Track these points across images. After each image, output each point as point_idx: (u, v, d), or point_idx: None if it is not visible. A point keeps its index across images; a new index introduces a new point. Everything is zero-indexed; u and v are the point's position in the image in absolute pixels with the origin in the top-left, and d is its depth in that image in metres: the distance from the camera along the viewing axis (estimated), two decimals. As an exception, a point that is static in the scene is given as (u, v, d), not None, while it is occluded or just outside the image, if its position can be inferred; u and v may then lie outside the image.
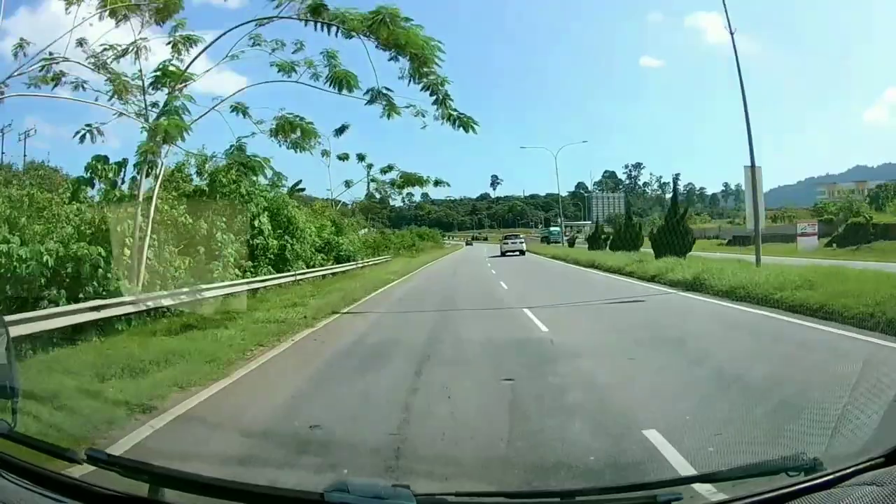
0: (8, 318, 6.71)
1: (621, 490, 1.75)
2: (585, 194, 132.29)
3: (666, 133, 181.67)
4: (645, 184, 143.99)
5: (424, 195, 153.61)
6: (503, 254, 45.93)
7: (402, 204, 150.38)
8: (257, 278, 16.77)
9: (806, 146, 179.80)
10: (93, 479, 1.72)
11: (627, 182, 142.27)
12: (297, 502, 1.66)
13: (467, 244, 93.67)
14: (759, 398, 4.95)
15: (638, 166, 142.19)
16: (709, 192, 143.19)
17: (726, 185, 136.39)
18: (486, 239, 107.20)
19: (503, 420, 4.70)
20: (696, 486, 1.82)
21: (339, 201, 32.92)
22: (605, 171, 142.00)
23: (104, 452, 1.86)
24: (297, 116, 13.88)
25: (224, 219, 15.25)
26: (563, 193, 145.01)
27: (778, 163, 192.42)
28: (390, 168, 35.87)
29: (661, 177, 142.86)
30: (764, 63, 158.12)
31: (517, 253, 45.76)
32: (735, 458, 3.66)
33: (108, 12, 10.77)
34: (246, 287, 14.83)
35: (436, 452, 4.01)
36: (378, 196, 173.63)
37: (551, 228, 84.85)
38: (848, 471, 1.60)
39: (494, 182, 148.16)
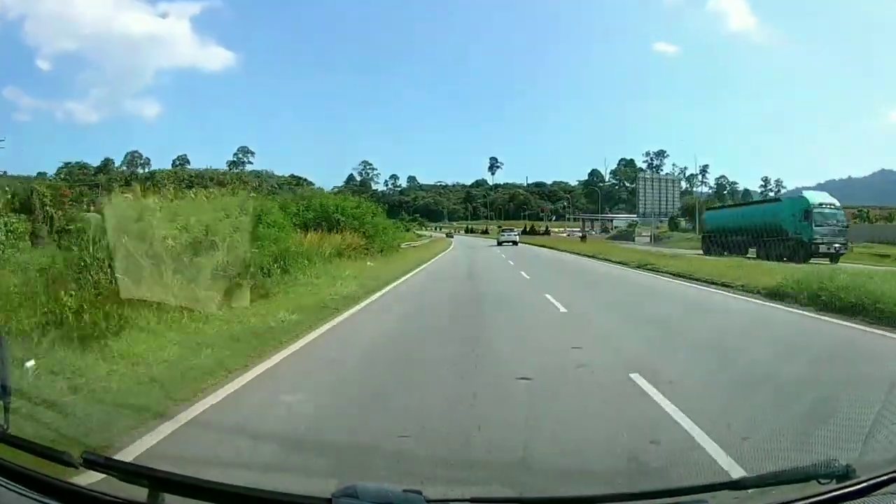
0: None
1: (643, 497, 1.73)
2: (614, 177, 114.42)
3: (686, 123, 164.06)
4: (667, 175, 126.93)
5: (411, 178, 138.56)
6: (500, 244, 52.55)
7: (385, 188, 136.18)
8: None
9: (826, 147, 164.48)
10: (89, 484, 1.74)
11: (649, 172, 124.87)
12: None
13: (449, 236, 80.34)
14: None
15: (661, 154, 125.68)
16: (740, 186, 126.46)
17: (766, 179, 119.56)
18: (485, 232, 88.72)
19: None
20: (722, 493, 1.70)
21: None
22: (622, 160, 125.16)
23: (101, 456, 1.81)
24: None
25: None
26: (573, 183, 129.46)
27: (795, 164, 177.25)
28: None
29: (685, 167, 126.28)
30: (785, 57, 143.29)
31: (510, 243, 52.36)
32: (763, 463, 3.57)
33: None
34: None
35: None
36: (359, 179, 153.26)
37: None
38: (883, 478, 1.59)
39: (493, 166, 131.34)
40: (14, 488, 1.60)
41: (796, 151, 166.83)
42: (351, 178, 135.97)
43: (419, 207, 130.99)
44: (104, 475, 1.74)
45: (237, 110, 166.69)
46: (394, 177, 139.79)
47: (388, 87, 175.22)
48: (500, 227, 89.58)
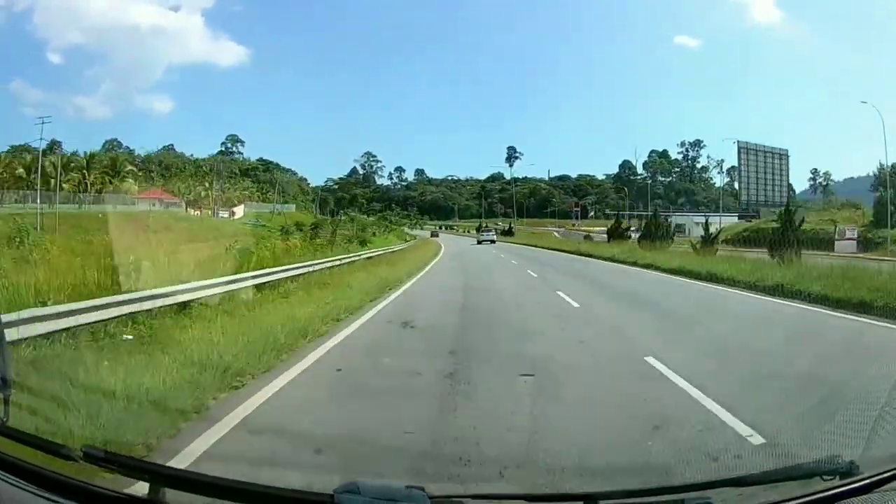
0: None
1: (647, 493, 1.78)
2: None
3: (717, 115, 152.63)
4: (703, 168, 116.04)
5: (419, 172, 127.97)
6: (479, 243, 56.08)
7: (389, 183, 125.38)
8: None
9: (848, 144, 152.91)
10: (89, 478, 1.71)
11: (685, 164, 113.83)
12: (306, 503, 1.66)
13: (434, 235, 75.12)
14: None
15: (697, 145, 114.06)
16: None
17: (815, 171, 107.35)
18: (509, 232, 76.56)
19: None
20: (726, 490, 1.72)
21: None
22: (652, 151, 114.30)
23: (102, 449, 1.79)
24: None
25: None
26: (600, 177, 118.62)
27: (824, 160, 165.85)
28: None
29: (721, 160, 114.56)
30: (810, 52, 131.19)
31: (489, 242, 56.26)
32: (767, 460, 3.63)
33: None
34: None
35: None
36: (362, 172, 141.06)
37: None
38: (886, 475, 1.61)
39: (512, 156, 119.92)
40: (13, 482, 1.60)
41: (827, 147, 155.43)
42: (354, 170, 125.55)
43: (427, 203, 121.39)
44: (104, 469, 1.74)
45: (238, 102, 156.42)
46: (399, 169, 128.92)
47: (399, 77, 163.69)
48: (481, 226, 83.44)
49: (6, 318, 6.01)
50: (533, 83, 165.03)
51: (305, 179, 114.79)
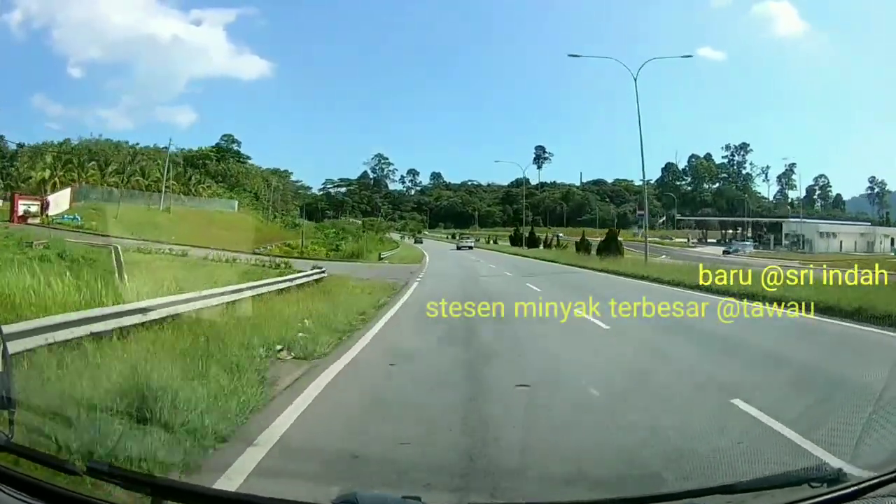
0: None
1: (638, 501, 1.78)
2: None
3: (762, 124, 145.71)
4: (748, 175, 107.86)
5: (435, 175, 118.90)
6: (458, 248, 56.86)
7: (402, 187, 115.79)
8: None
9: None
10: (93, 492, 1.74)
11: (730, 167, 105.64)
12: None
13: (417, 242, 71.06)
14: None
15: (743, 148, 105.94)
16: (834, 191, 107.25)
17: (873, 179, 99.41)
18: (558, 243, 65.52)
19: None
20: (716, 497, 1.73)
21: None
22: (692, 156, 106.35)
23: (105, 464, 1.85)
24: None
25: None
26: (637, 182, 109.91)
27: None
28: None
29: (767, 166, 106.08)
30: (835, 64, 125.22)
31: (467, 248, 56.17)
32: (755, 467, 3.60)
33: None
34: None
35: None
36: (373, 176, 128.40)
37: None
38: (873, 482, 1.59)
39: (539, 157, 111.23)
40: (19, 496, 1.58)
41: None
42: (365, 174, 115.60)
43: (443, 209, 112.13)
44: (108, 483, 1.71)
45: (247, 109, 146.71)
46: (412, 172, 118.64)
47: (415, 81, 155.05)
48: (557, 235, 75.79)
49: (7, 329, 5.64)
50: (559, 89, 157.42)
51: (292, 176, 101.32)
